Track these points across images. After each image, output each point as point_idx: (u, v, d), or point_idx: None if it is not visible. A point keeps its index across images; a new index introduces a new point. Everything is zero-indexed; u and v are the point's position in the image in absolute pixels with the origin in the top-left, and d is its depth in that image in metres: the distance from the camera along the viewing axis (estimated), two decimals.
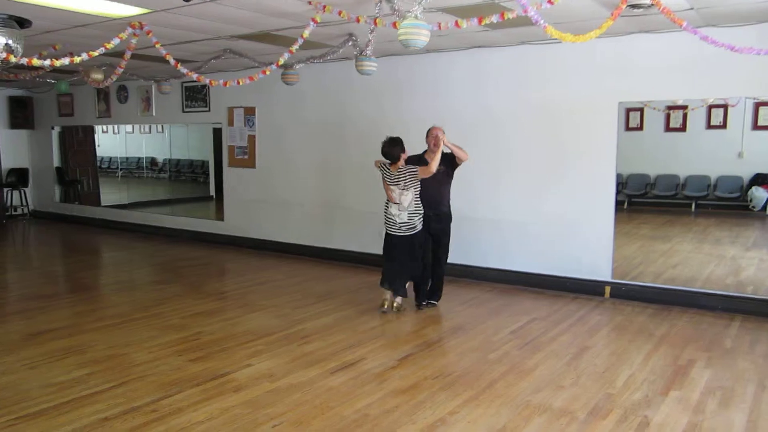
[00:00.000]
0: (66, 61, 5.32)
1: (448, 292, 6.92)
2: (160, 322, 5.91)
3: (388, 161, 6.05)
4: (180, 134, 12.81)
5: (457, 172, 6.52)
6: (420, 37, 4.39)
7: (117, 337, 5.45)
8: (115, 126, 12.87)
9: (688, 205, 10.93)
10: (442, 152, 5.94)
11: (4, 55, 4.99)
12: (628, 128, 9.31)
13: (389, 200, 6.06)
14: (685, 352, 4.99)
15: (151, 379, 4.46)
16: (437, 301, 6.49)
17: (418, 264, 6.15)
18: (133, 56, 7.75)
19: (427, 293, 6.42)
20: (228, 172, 10.19)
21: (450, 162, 6.13)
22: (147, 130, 12.62)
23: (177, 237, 10.90)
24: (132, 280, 8.23)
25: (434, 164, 5.85)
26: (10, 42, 5.48)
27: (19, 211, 13.58)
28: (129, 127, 12.82)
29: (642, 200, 11.14)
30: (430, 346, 5.24)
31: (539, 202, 7.13)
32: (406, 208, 5.95)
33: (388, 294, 6.21)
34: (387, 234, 6.16)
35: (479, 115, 7.45)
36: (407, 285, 6.29)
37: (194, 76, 5.87)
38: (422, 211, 6.02)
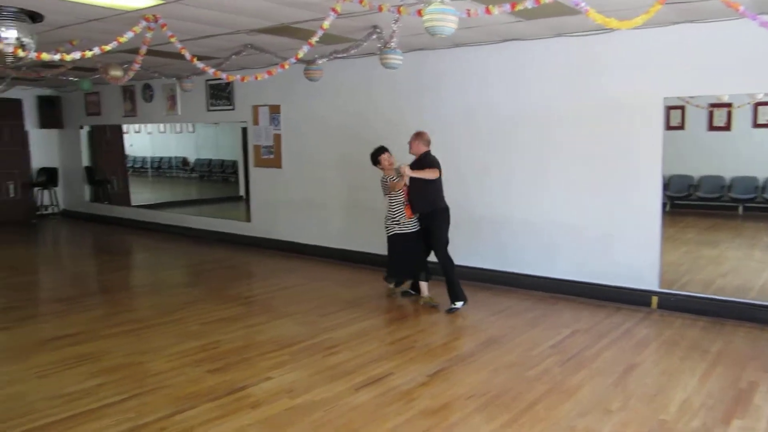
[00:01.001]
0: (77, 55, 5.06)
1: (482, 300, 6.56)
2: (179, 328, 5.65)
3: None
4: (210, 134, 12.63)
5: (491, 172, 6.22)
6: (447, 23, 4.03)
7: (134, 344, 5.21)
8: (148, 125, 12.73)
9: (735, 207, 10.37)
10: (417, 159, 6.24)
11: (11, 49, 4.77)
12: (669, 127, 8.82)
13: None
14: (745, 373, 4.52)
15: (165, 392, 4.19)
16: (454, 302, 6.21)
17: (394, 262, 6.51)
18: (153, 53, 7.56)
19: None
20: (254, 173, 9.93)
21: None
22: (179, 129, 12.47)
23: (204, 238, 10.70)
24: (155, 282, 8.02)
25: (394, 185, 6.26)
26: (20, 36, 5.29)
27: (50, 211, 13.57)
28: (162, 127, 12.67)
29: (685, 202, 10.61)
30: (464, 360, 4.86)
31: (578, 205, 6.68)
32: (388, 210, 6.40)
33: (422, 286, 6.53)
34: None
35: (513, 113, 7.03)
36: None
37: (211, 71, 5.58)
38: (393, 217, 6.34)
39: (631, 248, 6.37)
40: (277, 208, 9.60)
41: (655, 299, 6.25)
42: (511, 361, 4.81)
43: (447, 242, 6.27)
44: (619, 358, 4.89)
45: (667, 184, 10.19)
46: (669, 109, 8.75)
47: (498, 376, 4.52)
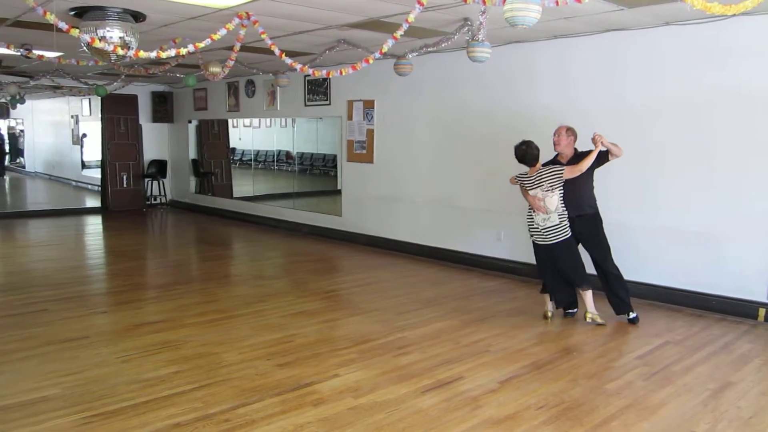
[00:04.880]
0: (172, 52, 5.28)
1: None
2: (258, 320, 5.75)
3: (526, 167, 5.64)
4: (312, 128, 12.85)
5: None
6: (528, 13, 3.82)
7: (213, 333, 5.35)
8: (254, 120, 13.07)
9: None
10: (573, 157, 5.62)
11: (111, 47, 5.02)
12: None
13: (535, 209, 5.59)
14: None
15: (234, 384, 4.25)
16: (633, 312, 5.71)
17: (580, 271, 5.65)
18: (250, 49, 7.76)
19: (616, 306, 5.80)
20: (346, 167, 10.02)
21: (596, 159, 5.50)
22: (284, 124, 12.77)
23: (297, 231, 10.93)
24: (244, 273, 8.27)
25: (586, 163, 5.39)
26: (124, 35, 5.57)
27: (158, 201, 14.36)
28: (268, 121, 13.01)
29: None
30: (540, 368, 4.62)
31: (676, 207, 6.20)
32: (554, 211, 5.49)
33: (550, 304, 5.88)
34: (535, 245, 5.73)
35: (616, 109, 6.59)
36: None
37: (297, 66, 5.63)
38: (567, 214, 5.56)
39: (737, 254, 5.84)
40: (368, 203, 9.63)
41: (762, 311, 5.70)
42: (591, 372, 4.52)
43: None
44: (713, 374, 4.48)
45: None
46: None
47: (574, 386, 4.26)
